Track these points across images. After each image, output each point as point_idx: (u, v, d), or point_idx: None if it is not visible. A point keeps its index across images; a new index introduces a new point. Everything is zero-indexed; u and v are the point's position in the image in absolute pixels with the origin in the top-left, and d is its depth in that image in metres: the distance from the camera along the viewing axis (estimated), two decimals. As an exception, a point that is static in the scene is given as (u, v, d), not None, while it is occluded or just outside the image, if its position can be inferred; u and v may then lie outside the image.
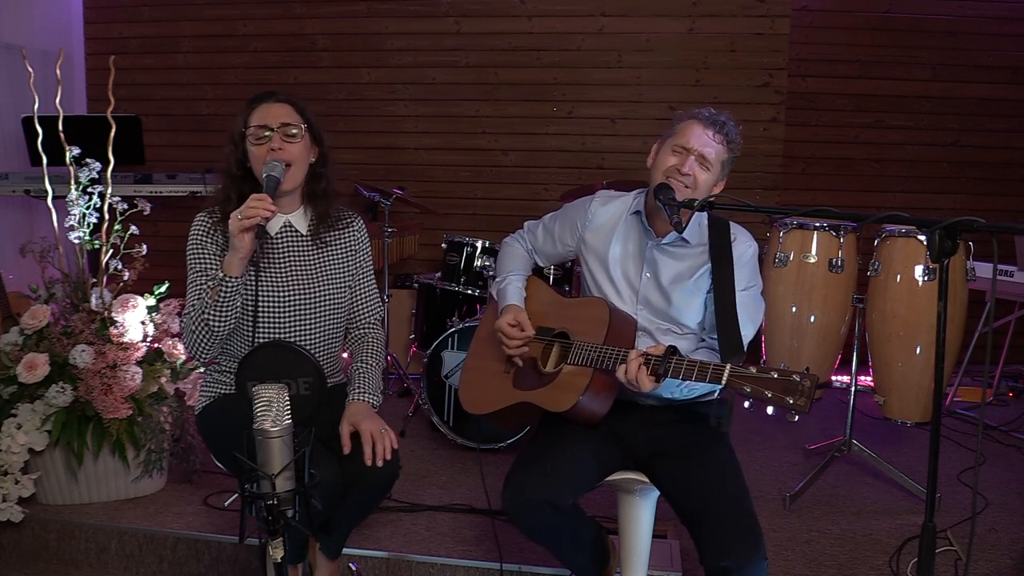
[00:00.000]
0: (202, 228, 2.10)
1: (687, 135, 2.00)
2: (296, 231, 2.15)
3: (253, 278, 2.03)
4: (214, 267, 2.04)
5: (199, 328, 1.99)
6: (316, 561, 2.21)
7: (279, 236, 2.13)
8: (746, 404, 1.67)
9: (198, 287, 2.04)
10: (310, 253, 2.15)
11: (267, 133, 2.02)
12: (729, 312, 1.93)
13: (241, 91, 4.99)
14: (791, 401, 1.58)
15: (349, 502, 2.01)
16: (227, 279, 1.95)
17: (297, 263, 2.13)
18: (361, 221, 2.28)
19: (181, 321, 2.05)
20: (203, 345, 2.01)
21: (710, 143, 1.99)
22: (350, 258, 2.22)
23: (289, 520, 1.56)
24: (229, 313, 1.98)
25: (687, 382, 1.78)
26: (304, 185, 2.14)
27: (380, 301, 2.31)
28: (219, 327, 1.99)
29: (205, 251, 2.07)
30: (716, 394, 2.06)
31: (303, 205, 2.18)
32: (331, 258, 2.18)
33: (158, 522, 2.69)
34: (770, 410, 1.65)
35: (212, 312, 1.96)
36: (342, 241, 2.21)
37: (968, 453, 3.38)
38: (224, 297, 1.96)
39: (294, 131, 2.05)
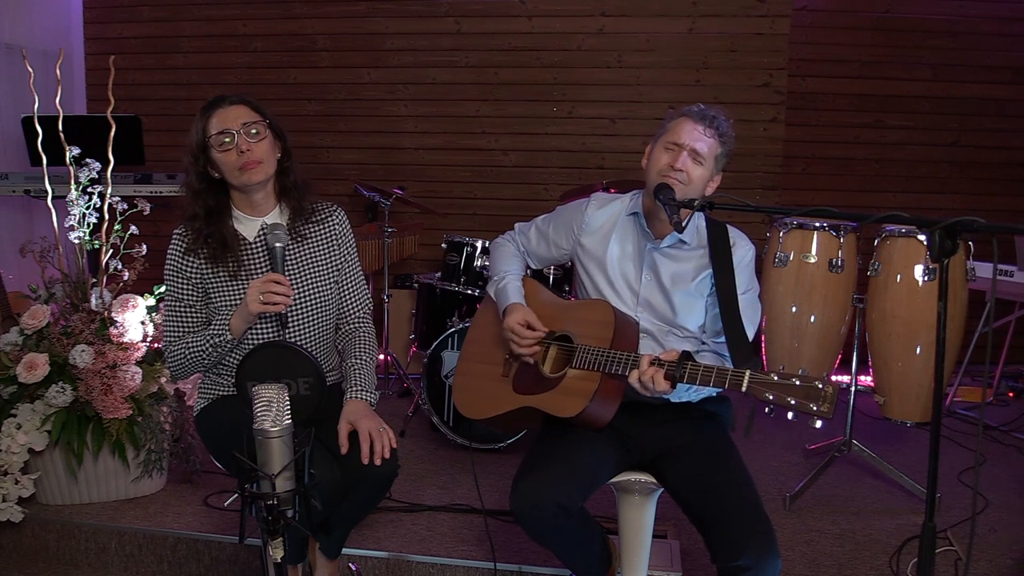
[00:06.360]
0: (177, 251, 2.10)
1: (678, 131, 2.01)
2: None
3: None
4: (192, 298, 2.09)
5: (187, 363, 2.07)
6: (316, 561, 2.21)
7: (257, 240, 2.11)
8: (767, 410, 1.66)
9: (176, 316, 2.09)
10: (290, 250, 2.13)
11: (229, 139, 2.01)
12: (734, 317, 1.92)
13: (241, 91, 5.00)
14: (815, 408, 1.58)
15: (348, 501, 2.01)
16: (230, 339, 2.02)
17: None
18: (342, 213, 2.26)
19: (164, 348, 2.13)
20: (187, 374, 2.11)
21: (701, 137, 1.99)
22: (333, 251, 2.19)
23: (289, 520, 1.56)
24: (221, 353, 2.06)
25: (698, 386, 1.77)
26: (275, 183, 2.13)
27: (368, 293, 2.29)
28: (209, 363, 2.07)
29: (181, 277, 2.09)
30: (714, 393, 2.06)
31: (278, 205, 2.16)
32: (312, 252, 2.16)
33: (158, 522, 2.70)
34: (790, 415, 1.64)
35: (208, 357, 2.04)
36: (322, 233, 2.19)
37: (968, 453, 3.38)
38: (221, 348, 2.04)
39: (256, 129, 2.04)
